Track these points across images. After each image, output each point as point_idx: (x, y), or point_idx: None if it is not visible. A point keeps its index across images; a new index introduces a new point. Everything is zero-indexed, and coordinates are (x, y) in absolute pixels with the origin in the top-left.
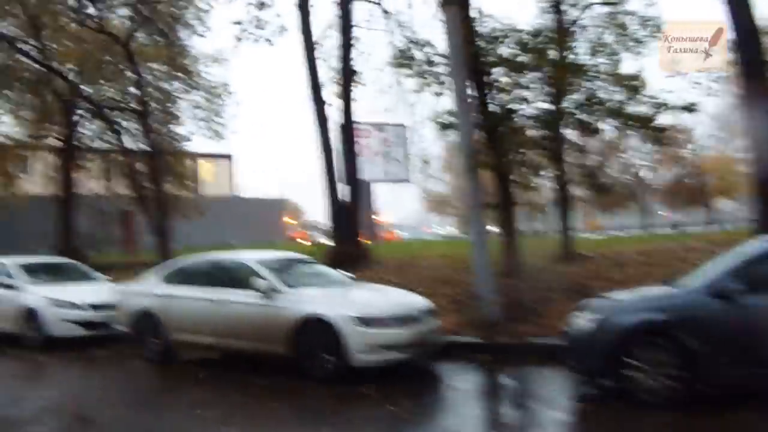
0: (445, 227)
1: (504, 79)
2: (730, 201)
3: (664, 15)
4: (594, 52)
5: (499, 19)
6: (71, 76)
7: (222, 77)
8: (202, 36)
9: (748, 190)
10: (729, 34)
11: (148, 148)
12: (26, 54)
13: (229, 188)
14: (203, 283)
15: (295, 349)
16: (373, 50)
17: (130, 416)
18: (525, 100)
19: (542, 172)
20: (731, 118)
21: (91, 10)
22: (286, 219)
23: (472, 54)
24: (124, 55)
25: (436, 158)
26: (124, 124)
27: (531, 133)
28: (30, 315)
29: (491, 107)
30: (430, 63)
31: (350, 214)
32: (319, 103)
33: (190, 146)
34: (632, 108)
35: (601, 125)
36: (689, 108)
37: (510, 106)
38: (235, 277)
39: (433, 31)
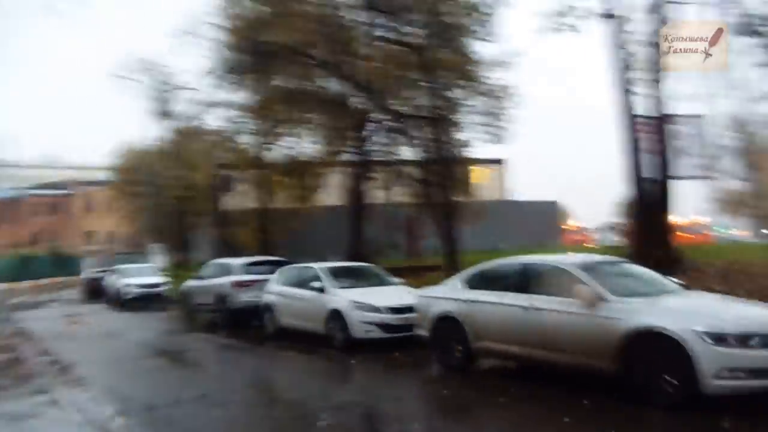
0: (731, 228)
1: None
2: None
3: None
4: None
5: None
6: (364, 91)
7: (504, 80)
8: (487, 41)
9: None
10: None
11: (436, 157)
12: (333, 73)
13: (501, 193)
14: (511, 289)
15: (623, 366)
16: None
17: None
18: None
19: None
20: None
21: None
22: (564, 222)
23: None
24: (417, 65)
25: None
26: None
27: None
28: (335, 317)
29: None
30: None
31: (657, 215)
32: (624, 92)
33: (469, 152)
34: None
35: None
36: None
37: None
38: (551, 282)
39: None
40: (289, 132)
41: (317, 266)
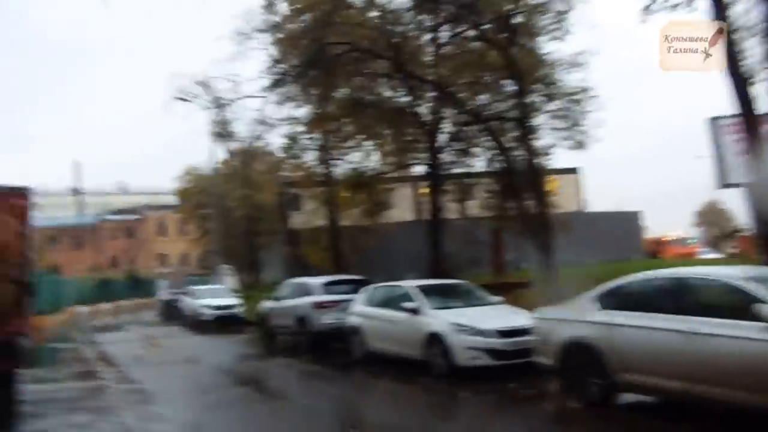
0: None
1: None
2: None
3: None
4: None
5: None
6: (437, 97)
7: (582, 81)
8: (561, 40)
9: None
10: None
11: (516, 165)
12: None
13: (577, 203)
14: (663, 309)
15: None
16: None
17: None
18: None
19: None
20: None
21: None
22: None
23: None
24: (495, 65)
25: None
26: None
27: None
28: (433, 341)
29: None
30: None
31: None
32: (738, 81)
33: (549, 160)
34: None
35: None
36: None
37: None
38: (717, 301)
39: None
40: (356, 146)
41: (407, 284)
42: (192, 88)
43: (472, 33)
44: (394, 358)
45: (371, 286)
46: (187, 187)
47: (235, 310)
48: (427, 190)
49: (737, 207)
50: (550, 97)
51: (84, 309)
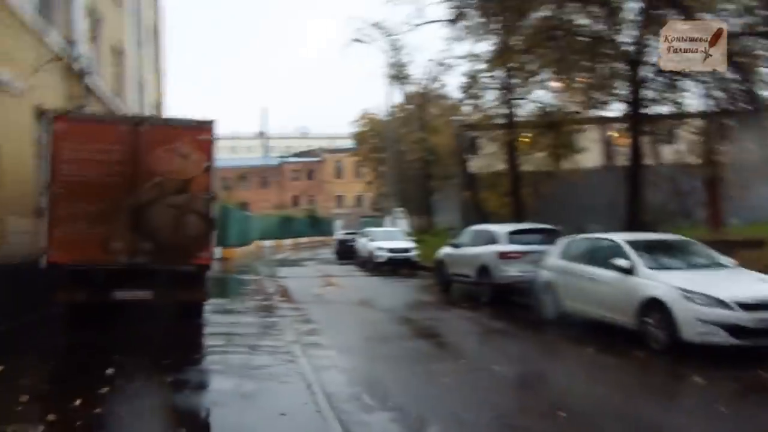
0: None
1: None
2: None
3: None
4: None
5: None
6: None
7: None
8: None
9: None
10: None
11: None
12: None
13: None
14: None
15: None
16: None
17: None
18: None
19: None
20: None
21: None
22: None
23: None
24: None
25: None
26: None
27: None
28: (652, 308)
29: None
30: None
31: None
32: None
33: None
34: None
35: None
36: None
37: None
38: None
39: None
40: (543, 83)
41: (617, 238)
42: (369, 31)
43: None
44: (596, 323)
45: (568, 238)
46: (362, 130)
47: (409, 254)
48: (621, 132)
49: None
50: None
51: (268, 243)
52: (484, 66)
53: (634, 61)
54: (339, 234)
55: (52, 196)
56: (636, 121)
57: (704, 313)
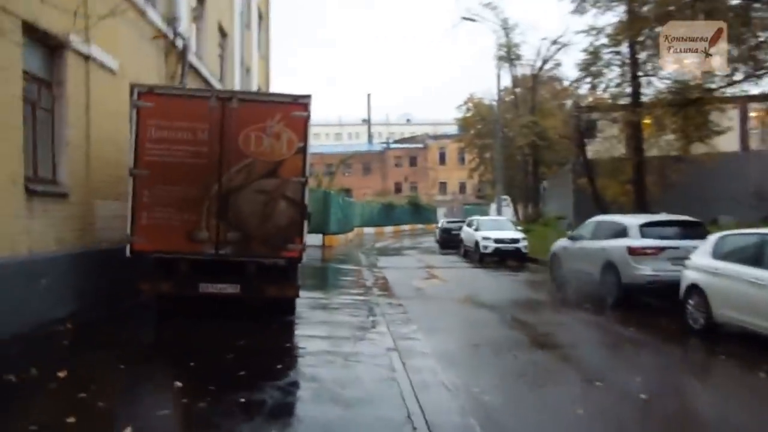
0: None
1: None
2: None
3: None
4: None
5: None
6: None
7: None
8: None
9: None
10: None
11: None
12: None
13: None
14: None
15: None
16: None
17: None
18: None
19: None
20: None
21: None
22: None
23: None
24: None
25: None
26: None
27: None
28: None
29: None
30: None
31: None
32: None
33: None
34: None
35: None
36: None
37: None
38: None
39: None
40: (673, 57)
41: None
42: (479, 11)
43: None
44: (759, 338)
45: (722, 233)
46: (467, 116)
47: (518, 245)
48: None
49: None
50: None
51: (369, 231)
52: (606, 41)
53: None
54: (442, 222)
55: (137, 179)
56: None
57: None
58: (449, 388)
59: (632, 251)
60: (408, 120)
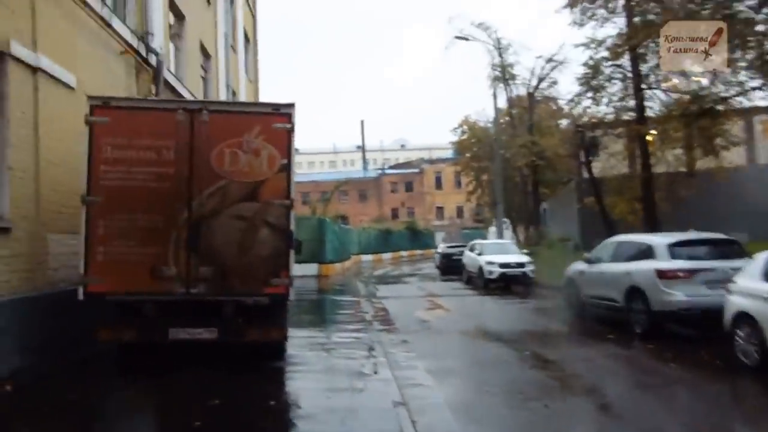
0: None
1: None
2: None
3: None
4: None
5: None
6: None
7: None
8: None
9: None
10: None
11: None
12: None
13: None
14: None
15: None
16: None
17: None
18: None
19: None
20: None
21: None
22: None
23: None
24: None
25: None
26: None
27: None
28: None
29: None
30: None
31: None
32: None
33: None
34: None
35: None
36: None
37: None
38: None
39: None
40: (679, 67)
41: None
42: (471, 31)
43: None
44: None
45: (765, 253)
46: (462, 138)
47: (525, 269)
48: None
49: None
50: None
51: (367, 258)
52: (607, 54)
53: None
54: (441, 247)
55: (91, 208)
56: None
57: None
58: None
59: (662, 275)
60: (402, 145)
